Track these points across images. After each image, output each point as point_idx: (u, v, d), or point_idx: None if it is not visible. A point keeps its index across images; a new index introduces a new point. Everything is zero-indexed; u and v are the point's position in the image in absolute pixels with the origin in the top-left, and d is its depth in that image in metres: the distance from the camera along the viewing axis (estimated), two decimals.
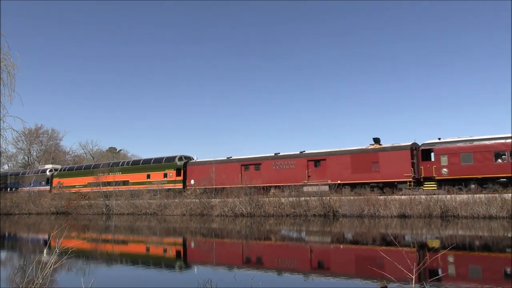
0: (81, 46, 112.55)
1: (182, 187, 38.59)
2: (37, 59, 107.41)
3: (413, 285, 4.64)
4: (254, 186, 30.45)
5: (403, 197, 24.94)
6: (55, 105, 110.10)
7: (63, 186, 47.00)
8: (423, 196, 24.27)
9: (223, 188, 34.03)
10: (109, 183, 42.09)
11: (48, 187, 51.11)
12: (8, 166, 73.20)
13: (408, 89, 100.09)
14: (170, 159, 40.98)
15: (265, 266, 11.41)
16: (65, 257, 6.60)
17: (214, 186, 35.71)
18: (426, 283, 5.31)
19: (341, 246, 14.96)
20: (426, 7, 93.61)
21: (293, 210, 26.88)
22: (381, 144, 30.55)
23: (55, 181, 50.07)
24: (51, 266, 6.14)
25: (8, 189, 55.64)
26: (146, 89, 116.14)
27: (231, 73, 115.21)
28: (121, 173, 43.64)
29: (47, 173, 52.74)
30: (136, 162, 44.97)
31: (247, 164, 35.78)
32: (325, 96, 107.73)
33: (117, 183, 41.62)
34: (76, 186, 46.50)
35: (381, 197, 25.70)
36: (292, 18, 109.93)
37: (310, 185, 31.15)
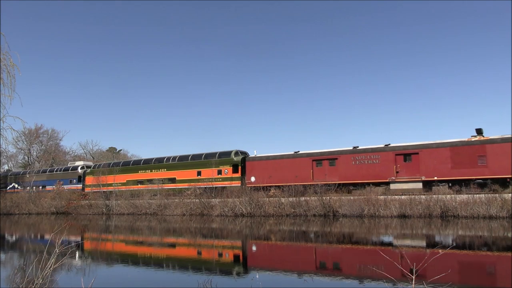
0: (81, 46, 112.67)
1: (240, 184, 34.82)
2: (37, 59, 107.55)
3: (413, 285, 4.64)
4: (328, 184, 29.24)
5: (403, 197, 24.95)
6: (55, 105, 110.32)
7: (99, 184, 42.54)
8: (423, 196, 24.28)
9: (290, 186, 30.94)
10: (148, 181, 39.88)
11: (79, 186, 47.60)
12: (8, 166, 73.22)
13: (407, 89, 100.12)
14: (225, 154, 37.29)
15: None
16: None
17: (279, 184, 32.36)
18: (426, 283, 5.30)
19: (341, 246, 14.96)
20: (426, 7, 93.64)
21: (293, 210, 26.90)
22: (484, 136, 27.21)
23: (89, 179, 46.07)
24: (51, 266, 6.14)
25: (29, 187, 51.41)
26: (146, 89, 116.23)
27: (231, 73, 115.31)
28: (166, 170, 40.28)
29: (79, 170, 49.04)
30: (184, 158, 40.30)
31: (319, 159, 32.22)
32: (325, 96, 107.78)
33: (161, 181, 39.25)
34: (113, 185, 42.39)
35: (381, 197, 25.70)
36: (291, 18, 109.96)
37: (399, 182, 28.48)
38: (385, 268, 9.44)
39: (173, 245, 16.83)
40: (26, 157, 71.63)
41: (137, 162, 44.46)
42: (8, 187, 55.40)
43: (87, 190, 45.21)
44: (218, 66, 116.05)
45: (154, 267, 11.67)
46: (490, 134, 27.01)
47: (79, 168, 49.53)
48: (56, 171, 51.93)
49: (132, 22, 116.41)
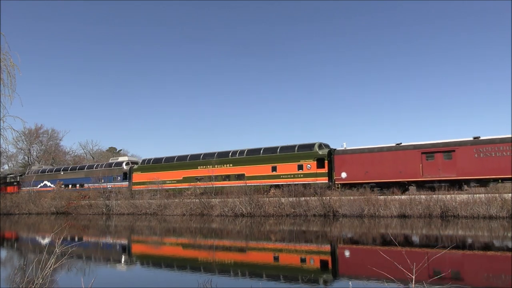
0: (81, 46, 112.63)
1: (327, 181, 31.27)
2: (37, 59, 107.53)
3: (413, 285, 4.63)
4: (442, 180, 26.69)
5: (403, 197, 24.94)
6: (55, 105, 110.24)
7: (150, 181, 39.44)
8: (423, 196, 24.26)
9: (391, 182, 28.37)
10: (209, 178, 36.00)
11: (126, 183, 43.42)
12: (8, 166, 73.22)
13: (406, 89, 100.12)
14: (307, 147, 33.06)
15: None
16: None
17: (377, 180, 29.07)
18: (426, 283, 5.30)
19: (341, 246, 14.95)
20: (426, 7, 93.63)
21: (293, 210, 26.89)
22: None
23: (137, 176, 42.20)
24: (51, 266, 6.14)
25: (64, 185, 47.65)
26: (146, 89, 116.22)
27: (231, 73, 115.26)
28: (232, 166, 35.94)
29: (124, 166, 44.78)
30: (254, 152, 35.83)
31: (431, 152, 28.35)
32: (325, 96, 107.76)
33: (227, 178, 35.92)
34: (168, 182, 39.02)
35: (381, 197, 25.69)
36: (291, 18, 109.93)
37: None
38: (385, 268, 9.43)
39: (242, 250, 15.23)
40: (26, 157, 71.64)
41: (195, 157, 39.21)
42: (39, 185, 51.20)
43: (134, 188, 41.39)
44: (218, 66, 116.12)
45: (154, 267, 11.67)
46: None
47: (124, 164, 45.09)
48: (96, 167, 47.54)
49: (132, 22, 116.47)
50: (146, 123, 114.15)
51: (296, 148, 33.37)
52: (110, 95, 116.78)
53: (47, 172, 52.71)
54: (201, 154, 38.84)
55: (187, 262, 12.65)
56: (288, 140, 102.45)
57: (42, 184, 51.36)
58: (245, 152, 36.09)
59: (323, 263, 12.08)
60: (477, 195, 23.00)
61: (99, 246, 17.25)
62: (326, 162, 31.63)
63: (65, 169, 51.52)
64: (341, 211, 25.34)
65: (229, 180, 35.55)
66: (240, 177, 35.11)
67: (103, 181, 43.81)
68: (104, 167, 46.24)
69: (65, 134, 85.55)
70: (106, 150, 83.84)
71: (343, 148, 31.90)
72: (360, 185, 29.51)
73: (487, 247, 13.61)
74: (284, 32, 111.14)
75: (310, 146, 33.02)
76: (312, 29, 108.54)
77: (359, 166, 30.28)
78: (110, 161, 48.02)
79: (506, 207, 21.13)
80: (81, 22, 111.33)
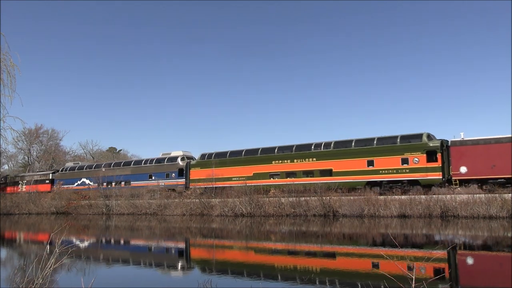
0: (81, 46, 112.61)
1: (440, 177, 27.08)
2: (37, 59, 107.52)
3: (413, 285, 4.64)
4: None
5: (403, 197, 24.94)
6: (55, 105, 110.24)
7: (213, 178, 35.32)
8: (423, 196, 24.27)
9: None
10: (286, 174, 32.55)
11: (181, 180, 38.78)
12: (8, 166, 73.20)
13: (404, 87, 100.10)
14: (413, 138, 28.84)
15: None
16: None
17: (510, 176, 25.32)
18: (426, 283, 5.30)
19: (341, 246, 14.95)
20: (426, 7, 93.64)
21: (293, 210, 26.89)
22: None
23: (196, 172, 37.58)
24: (51, 266, 6.14)
25: (105, 184, 42.82)
26: (146, 89, 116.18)
27: (231, 73, 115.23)
28: (316, 160, 31.79)
29: (179, 162, 39.54)
30: (344, 144, 31.38)
31: None
32: (325, 96, 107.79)
33: (309, 174, 31.90)
34: (234, 178, 34.92)
35: (381, 197, 25.69)
36: (291, 18, 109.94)
37: None
38: (385, 267, 9.43)
39: (331, 255, 13.51)
40: (26, 157, 71.64)
41: (268, 150, 34.74)
42: (76, 183, 47.17)
43: (193, 185, 36.88)
44: (218, 65, 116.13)
45: (154, 267, 11.66)
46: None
47: (179, 159, 39.78)
48: (145, 163, 42.54)
49: (132, 22, 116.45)
50: (146, 123, 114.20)
51: (398, 139, 29.13)
52: (110, 95, 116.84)
53: (85, 168, 48.13)
54: (275, 147, 34.52)
55: (256, 267, 12.49)
56: (285, 140, 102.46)
57: (79, 182, 47.12)
58: (331, 145, 31.71)
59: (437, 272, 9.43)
60: (477, 195, 23.01)
61: (152, 249, 16.46)
62: (439, 155, 27.42)
63: (107, 165, 46.33)
64: (341, 211, 25.35)
65: (312, 177, 31.41)
66: (325, 172, 31.09)
67: (153, 178, 40.27)
68: (155, 163, 41.40)
69: (65, 134, 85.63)
70: (106, 150, 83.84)
71: (460, 139, 27.59)
72: (485, 181, 26.15)
73: (487, 247, 13.60)
74: (283, 32, 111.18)
75: (417, 136, 28.77)
76: (311, 29, 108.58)
77: (483, 159, 26.24)
78: (161, 155, 42.26)
79: (506, 207, 21.14)
80: (81, 22, 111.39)
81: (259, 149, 35.38)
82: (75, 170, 48.71)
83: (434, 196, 24.00)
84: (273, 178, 33.27)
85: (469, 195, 23.24)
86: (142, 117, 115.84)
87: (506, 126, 78.02)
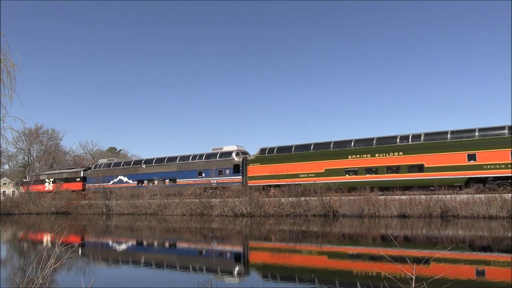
0: (81, 46, 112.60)
1: None
2: (38, 59, 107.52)
3: (413, 285, 4.63)
4: None
5: (403, 197, 24.92)
6: (55, 105, 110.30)
7: (277, 175, 32.05)
8: (423, 196, 24.25)
9: None
10: (366, 170, 29.15)
11: (238, 178, 34.99)
12: (8, 166, 73.19)
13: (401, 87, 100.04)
14: None
15: None
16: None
17: None
18: (426, 283, 5.30)
19: (341, 246, 14.95)
20: (426, 7, 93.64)
21: (293, 210, 26.88)
22: None
23: (255, 168, 33.98)
24: (51, 266, 6.14)
25: (147, 181, 40.71)
26: (146, 89, 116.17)
27: (231, 73, 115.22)
28: (403, 154, 28.02)
29: (234, 157, 35.76)
30: (437, 135, 27.69)
31: None
32: (324, 96, 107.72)
33: (394, 169, 28.29)
34: (301, 175, 31.54)
35: (381, 197, 25.66)
36: (291, 18, 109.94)
37: None
38: (385, 267, 9.43)
39: (331, 255, 13.23)
40: (26, 157, 71.64)
41: (343, 144, 31.30)
42: (113, 181, 43.66)
43: (251, 183, 33.52)
44: (218, 65, 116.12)
45: (153, 267, 11.65)
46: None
47: (234, 154, 36.09)
48: (193, 159, 38.56)
49: (132, 22, 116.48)
50: (146, 123, 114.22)
51: (506, 130, 25.41)
52: (110, 95, 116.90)
53: (123, 165, 44.85)
54: (351, 140, 30.97)
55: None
56: (287, 138, 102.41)
57: (116, 180, 43.69)
58: (421, 137, 28.05)
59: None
60: (477, 195, 23.00)
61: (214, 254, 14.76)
62: None
63: (148, 162, 42.63)
64: (341, 211, 25.33)
65: (397, 173, 28.10)
66: (413, 168, 27.60)
67: (203, 175, 36.97)
68: (205, 159, 37.59)
69: (65, 134, 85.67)
70: (106, 150, 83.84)
71: None
72: None
73: (487, 247, 13.60)
74: (283, 32, 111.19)
75: None
76: (311, 29, 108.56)
77: None
78: (211, 151, 38.42)
79: (506, 207, 21.13)
80: (81, 22, 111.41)
81: (331, 142, 31.87)
82: (111, 167, 45.11)
83: (434, 196, 23.99)
84: (349, 175, 29.93)
85: (469, 195, 23.23)
86: (142, 117, 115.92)
87: None
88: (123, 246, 17.14)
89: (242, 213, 28.03)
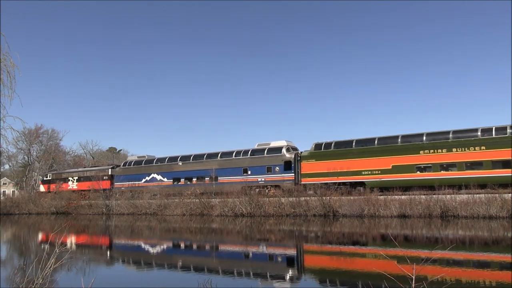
0: (81, 46, 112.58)
1: None
2: (38, 59, 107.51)
3: (413, 285, 4.63)
4: None
5: (403, 197, 24.92)
6: (55, 105, 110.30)
7: (333, 172, 29.98)
8: (423, 196, 24.24)
9: None
10: (443, 166, 26.71)
11: (290, 175, 32.32)
12: (8, 166, 73.17)
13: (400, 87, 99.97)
14: None
15: None
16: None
17: None
18: (426, 283, 5.29)
19: (341, 246, 14.95)
20: (426, 7, 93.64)
21: (293, 210, 26.88)
22: None
23: (307, 165, 31.55)
24: (51, 266, 6.14)
25: (184, 179, 38.19)
26: (147, 89, 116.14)
27: (231, 73, 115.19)
28: (486, 148, 25.61)
29: (285, 153, 33.09)
30: None
31: None
32: (324, 95, 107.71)
33: (476, 165, 25.86)
34: (364, 172, 29.24)
35: (381, 197, 25.66)
36: (291, 18, 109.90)
37: None
38: (385, 267, 9.42)
39: (331, 255, 12.99)
40: (26, 157, 71.64)
41: (413, 138, 28.49)
42: (145, 179, 41.19)
43: (305, 181, 31.40)
44: (218, 66, 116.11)
45: (153, 267, 11.65)
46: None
47: (285, 149, 33.37)
48: (238, 155, 35.76)
49: (132, 22, 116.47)
50: (146, 123, 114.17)
51: None
52: (110, 95, 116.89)
53: (156, 162, 41.57)
54: (423, 133, 28.26)
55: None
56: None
57: (148, 178, 41.04)
58: (507, 129, 25.39)
59: None
60: (477, 195, 22.99)
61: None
62: None
63: (184, 158, 39.41)
64: (341, 211, 25.33)
65: (479, 169, 25.62)
66: (497, 164, 25.05)
67: (249, 172, 34.40)
68: (251, 155, 34.93)
69: (65, 134, 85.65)
70: (106, 150, 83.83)
71: None
72: None
73: (487, 247, 13.60)
74: (284, 32, 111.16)
75: None
76: (311, 29, 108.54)
77: None
78: (257, 146, 35.59)
79: (506, 207, 21.13)
80: (81, 23, 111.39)
81: (398, 136, 29.24)
82: (142, 165, 42.29)
83: (434, 196, 23.99)
84: (421, 172, 27.45)
85: (469, 195, 23.22)
86: (142, 117, 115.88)
87: None
88: (152, 248, 17.13)
89: (242, 213, 28.03)
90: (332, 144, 31.47)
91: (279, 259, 12.71)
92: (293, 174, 32.19)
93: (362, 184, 29.04)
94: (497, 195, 22.32)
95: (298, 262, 12.31)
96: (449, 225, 20.02)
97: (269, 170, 33.42)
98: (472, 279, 8.98)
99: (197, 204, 31.26)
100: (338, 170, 29.92)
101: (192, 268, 11.36)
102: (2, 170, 68.06)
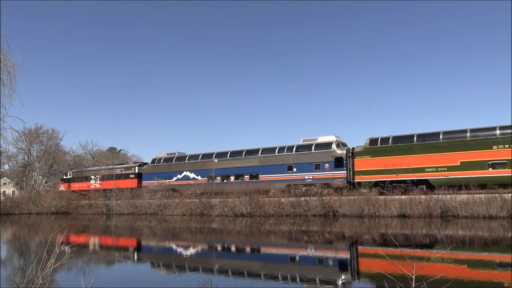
0: (81, 46, 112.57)
1: None
2: (38, 59, 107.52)
3: (413, 285, 4.63)
4: None
5: (403, 197, 24.92)
6: (55, 105, 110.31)
7: (390, 169, 27.99)
8: (423, 196, 24.24)
9: None
10: None
11: (341, 173, 30.31)
12: (8, 166, 73.15)
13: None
14: None
15: None
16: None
17: None
18: (426, 283, 5.30)
19: (342, 246, 14.95)
20: (426, 7, 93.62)
21: (293, 210, 26.88)
22: None
23: (362, 162, 29.47)
24: (51, 266, 6.14)
25: (218, 178, 36.19)
26: (146, 89, 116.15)
27: (231, 74, 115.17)
28: None
29: (336, 149, 31.01)
30: None
31: None
32: (324, 96, 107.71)
33: None
34: (428, 169, 26.99)
35: (381, 197, 25.66)
36: (291, 18, 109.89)
37: None
38: (385, 267, 9.42)
39: (331, 254, 12.93)
40: (26, 157, 71.62)
41: (484, 131, 26.27)
42: (176, 177, 39.16)
43: (359, 179, 29.42)
44: (218, 66, 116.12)
45: (153, 267, 11.65)
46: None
47: (335, 145, 31.30)
48: (281, 151, 33.65)
49: (132, 22, 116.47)
50: (146, 123, 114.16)
51: None
52: (110, 95, 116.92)
53: (188, 160, 39.53)
54: (495, 127, 25.98)
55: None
56: (286, 138, 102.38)
57: (180, 176, 38.91)
58: None
59: None
60: (477, 195, 22.99)
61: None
62: None
63: (220, 155, 37.30)
64: (341, 211, 25.33)
65: None
66: None
67: (295, 170, 32.39)
68: (296, 151, 32.86)
69: (65, 134, 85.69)
70: (106, 150, 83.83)
71: None
72: None
73: (487, 247, 13.59)
74: (283, 32, 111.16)
75: None
76: (311, 29, 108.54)
77: None
78: (302, 142, 33.41)
79: (506, 207, 21.12)
80: (81, 22, 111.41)
81: (466, 130, 26.91)
82: (173, 162, 40.14)
83: (434, 196, 23.99)
84: (494, 169, 25.18)
85: (469, 195, 23.22)
86: (142, 117, 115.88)
87: None
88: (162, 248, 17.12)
89: (242, 213, 28.03)
90: (390, 139, 29.27)
91: (279, 259, 12.71)
92: (345, 172, 30.27)
93: (424, 182, 27.12)
94: (497, 195, 22.32)
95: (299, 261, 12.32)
96: (449, 225, 20.02)
97: (318, 167, 31.43)
98: (472, 279, 8.97)
99: (197, 204, 31.29)
100: (397, 167, 27.95)
101: (192, 268, 11.35)
102: (2, 170, 68.06)
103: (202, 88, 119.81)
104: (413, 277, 4.64)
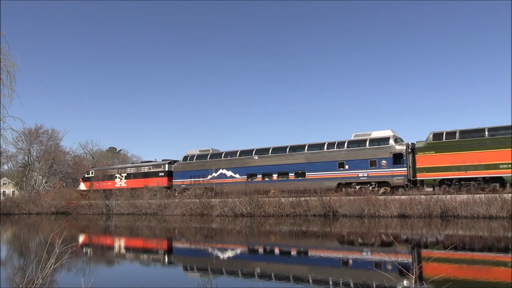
0: (81, 46, 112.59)
1: None
2: (37, 59, 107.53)
3: (413, 285, 4.63)
4: None
5: (403, 197, 24.91)
6: (55, 105, 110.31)
7: (458, 166, 25.99)
8: (423, 196, 24.23)
9: None
10: None
11: (401, 170, 28.01)
12: (8, 166, 73.11)
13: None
14: None
15: None
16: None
17: None
18: (426, 283, 5.30)
19: (341, 246, 14.95)
20: (426, 7, 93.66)
21: (293, 210, 26.86)
22: None
23: (424, 158, 27.22)
24: (51, 266, 6.14)
25: (259, 176, 34.02)
26: (146, 89, 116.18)
27: (231, 74, 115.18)
28: None
29: (394, 145, 28.74)
30: None
31: None
32: (324, 96, 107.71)
33: None
34: (502, 166, 24.86)
35: (381, 197, 25.64)
36: (291, 18, 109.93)
37: None
38: (385, 267, 9.43)
39: (331, 255, 12.76)
40: (26, 157, 71.60)
41: None
42: (210, 176, 36.70)
43: (422, 176, 27.41)
44: (218, 66, 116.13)
45: (154, 267, 11.64)
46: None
47: (392, 140, 28.87)
48: (331, 147, 31.33)
49: (132, 22, 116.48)
50: (146, 123, 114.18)
51: None
52: (110, 95, 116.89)
53: (225, 156, 36.88)
54: None
55: None
56: (286, 139, 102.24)
57: (216, 175, 36.46)
58: None
59: None
60: (477, 195, 22.98)
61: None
62: None
63: (261, 152, 34.84)
64: (341, 211, 25.31)
65: None
66: None
67: (347, 167, 30.03)
68: (347, 147, 30.60)
69: (65, 134, 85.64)
70: (106, 150, 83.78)
71: None
72: None
73: (487, 247, 13.59)
74: (283, 32, 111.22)
75: None
76: (311, 29, 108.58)
77: None
78: (353, 137, 31.16)
79: (506, 207, 21.11)
80: (81, 23, 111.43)
81: None
82: (207, 159, 37.54)
83: (434, 196, 23.97)
84: None
85: (469, 195, 23.21)
86: (142, 117, 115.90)
87: None
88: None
89: (242, 213, 28.02)
90: (457, 133, 26.77)
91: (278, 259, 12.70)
92: (406, 169, 27.87)
93: (498, 179, 25.00)
94: (497, 195, 22.31)
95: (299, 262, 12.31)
96: (449, 225, 20.02)
97: (373, 164, 29.07)
98: (472, 279, 8.97)
99: (197, 204, 31.28)
100: (467, 164, 25.81)
101: (192, 268, 11.35)
102: (2, 170, 68.02)
103: (202, 88, 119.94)
104: (413, 277, 4.64)
